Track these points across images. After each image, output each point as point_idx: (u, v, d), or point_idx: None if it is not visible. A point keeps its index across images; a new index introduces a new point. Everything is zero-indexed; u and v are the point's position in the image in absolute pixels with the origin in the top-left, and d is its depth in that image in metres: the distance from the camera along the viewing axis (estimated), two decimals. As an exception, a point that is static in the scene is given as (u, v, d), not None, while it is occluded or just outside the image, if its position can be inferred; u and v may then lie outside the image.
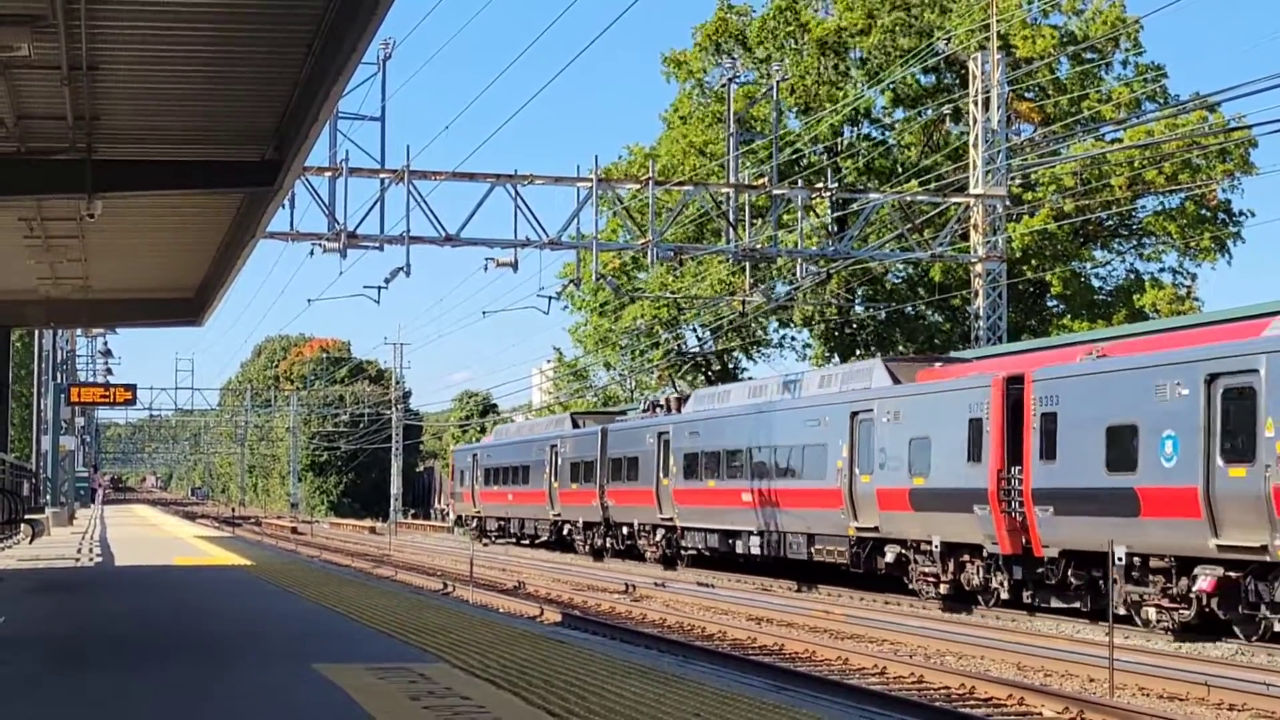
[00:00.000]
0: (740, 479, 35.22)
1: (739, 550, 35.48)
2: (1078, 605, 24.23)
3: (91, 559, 29.11)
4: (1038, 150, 43.99)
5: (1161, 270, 54.36)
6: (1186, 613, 21.64)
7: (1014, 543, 25.08)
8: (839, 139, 54.29)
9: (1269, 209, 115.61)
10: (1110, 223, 53.93)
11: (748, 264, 42.34)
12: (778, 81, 43.77)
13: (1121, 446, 22.41)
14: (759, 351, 61.73)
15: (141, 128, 17.94)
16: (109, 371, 78.36)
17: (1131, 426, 22.17)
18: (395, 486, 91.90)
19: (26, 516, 36.05)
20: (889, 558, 29.14)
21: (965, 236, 42.50)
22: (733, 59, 55.75)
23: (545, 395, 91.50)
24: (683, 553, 39.18)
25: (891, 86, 53.56)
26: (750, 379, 55.34)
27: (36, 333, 53.22)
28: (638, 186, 40.43)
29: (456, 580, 34.10)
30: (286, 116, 17.26)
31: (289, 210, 33.81)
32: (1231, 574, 20.55)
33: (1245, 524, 20.08)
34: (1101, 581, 22.41)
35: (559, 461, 48.27)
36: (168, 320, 36.07)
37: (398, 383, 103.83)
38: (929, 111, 52.17)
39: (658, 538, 40.44)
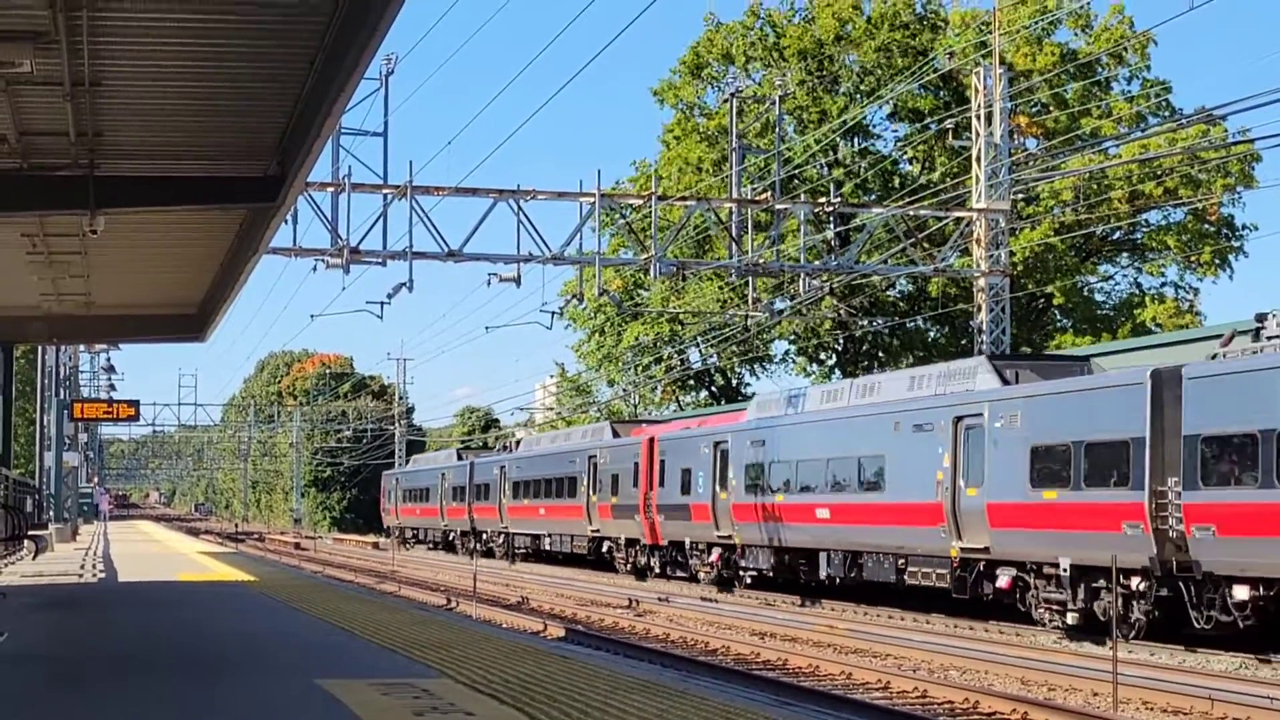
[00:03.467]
0: (538, 498, 51.06)
1: (541, 547, 51.14)
2: (685, 575, 39.58)
3: (95, 575, 29.10)
4: (1038, 165, 43.95)
5: (1164, 285, 54.37)
6: (711, 573, 37.41)
7: (654, 536, 40.79)
8: (835, 153, 54.35)
9: (1274, 222, 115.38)
10: (1115, 237, 53.92)
11: (751, 279, 42.33)
12: (779, 96, 43.75)
13: (686, 480, 38.57)
14: (762, 367, 61.76)
15: (144, 143, 17.94)
16: (112, 387, 78.35)
17: (689, 469, 38.34)
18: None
19: (30, 532, 36.03)
20: (605, 549, 45.00)
21: (967, 251, 42.45)
22: (730, 75, 55.91)
23: (548, 411, 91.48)
24: (515, 551, 54.87)
25: (889, 102, 53.68)
26: (755, 394, 56.27)
27: (39, 349, 53.28)
28: (640, 202, 40.45)
29: (460, 596, 34.10)
30: (289, 132, 17.26)
31: (291, 226, 33.83)
32: (726, 550, 36.67)
33: (726, 522, 36.18)
34: (689, 558, 39.25)
35: (446, 485, 64.05)
36: (170, 336, 36.04)
37: (400, 398, 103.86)
38: (933, 127, 52.18)
39: (500, 541, 56.98)
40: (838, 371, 58.31)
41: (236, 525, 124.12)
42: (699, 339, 59.45)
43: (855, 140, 54.93)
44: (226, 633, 15.74)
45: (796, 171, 51.52)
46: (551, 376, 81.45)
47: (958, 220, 40.71)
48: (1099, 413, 23.69)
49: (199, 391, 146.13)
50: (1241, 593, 21.00)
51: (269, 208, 19.85)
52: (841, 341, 57.39)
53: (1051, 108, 52.53)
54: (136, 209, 20.11)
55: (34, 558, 36.36)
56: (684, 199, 42.10)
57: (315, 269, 35.49)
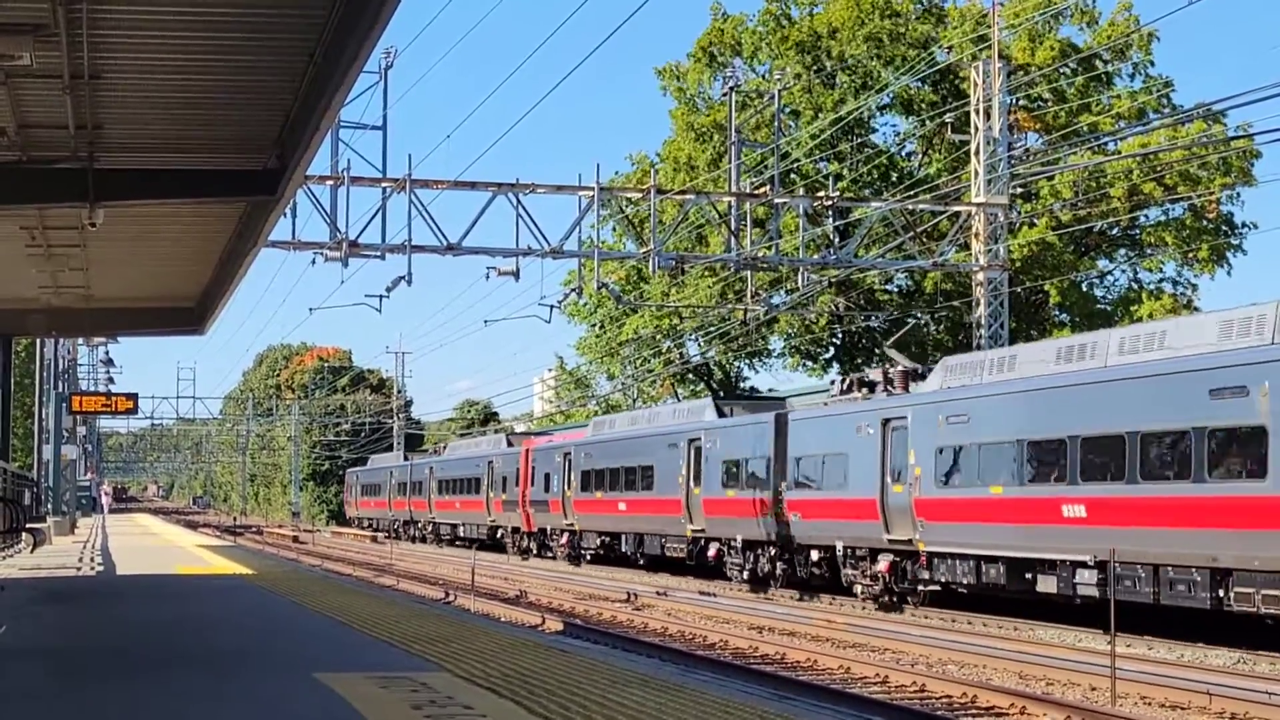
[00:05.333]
0: (456, 495, 62.73)
1: (458, 534, 62.60)
2: (551, 555, 49.65)
3: (93, 568, 29.09)
4: (1037, 160, 43.87)
5: (1162, 280, 54.27)
6: (564, 552, 48.27)
7: (529, 525, 51.86)
8: (834, 147, 54.24)
9: (1274, 219, 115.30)
10: (1113, 232, 53.81)
11: (749, 273, 42.28)
12: (779, 90, 43.68)
13: (547, 481, 49.23)
14: (761, 362, 61.69)
15: (143, 136, 17.94)
16: (111, 380, 78.24)
17: (549, 473, 48.99)
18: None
19: (28, 525, 36.00)
20: (499, 535, 56.22)
21: (966, 246, 42.42)
22: (733, 67, 55.83)
23: (547, 404, 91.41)
24: (441, 537, 66.06)
25: (888, 94, 53.58)
26: (752, 387, 56.77)
27: (38, 342, 53.26)
28: (640, 196, 40.40)
29: (458, 589, 34.13)
30: (288, 125, 17.26)
31: (290, 219, 33.82)
32: (572, 535, 47.78)
33: (572, 513, 46.96)
34: (550, 542, 49.78)
35: (393, 482, 76.63)
36: (169, 329, 36.08)
37: (399, 391, 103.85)
38: (928, 122, 52.07)
39: (429, 530, 68.52)
40: (835, 366, 58.26)
41: (235, 518, 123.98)
42: (696, 333, 59.38)
43: (853, 135, 54.79)
44: (224, 626, 15.74)
45: (795, 166, 51.41)
46: (550, 370, 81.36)
47: (955, 215, 40.69)
48: (751, 440, 35.09)
49: (197, 385, 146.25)
50: (814, 555, 32.49)
51: (268, 201, 19.86)
52: (840, 336, 57.32)
53: (1051, 102, 52.41)
54: (136, 201, 20.13)
55: (32, 550, 36.33)
56: (683, 193, 42.07)
57: (314, 262, 35.54)
